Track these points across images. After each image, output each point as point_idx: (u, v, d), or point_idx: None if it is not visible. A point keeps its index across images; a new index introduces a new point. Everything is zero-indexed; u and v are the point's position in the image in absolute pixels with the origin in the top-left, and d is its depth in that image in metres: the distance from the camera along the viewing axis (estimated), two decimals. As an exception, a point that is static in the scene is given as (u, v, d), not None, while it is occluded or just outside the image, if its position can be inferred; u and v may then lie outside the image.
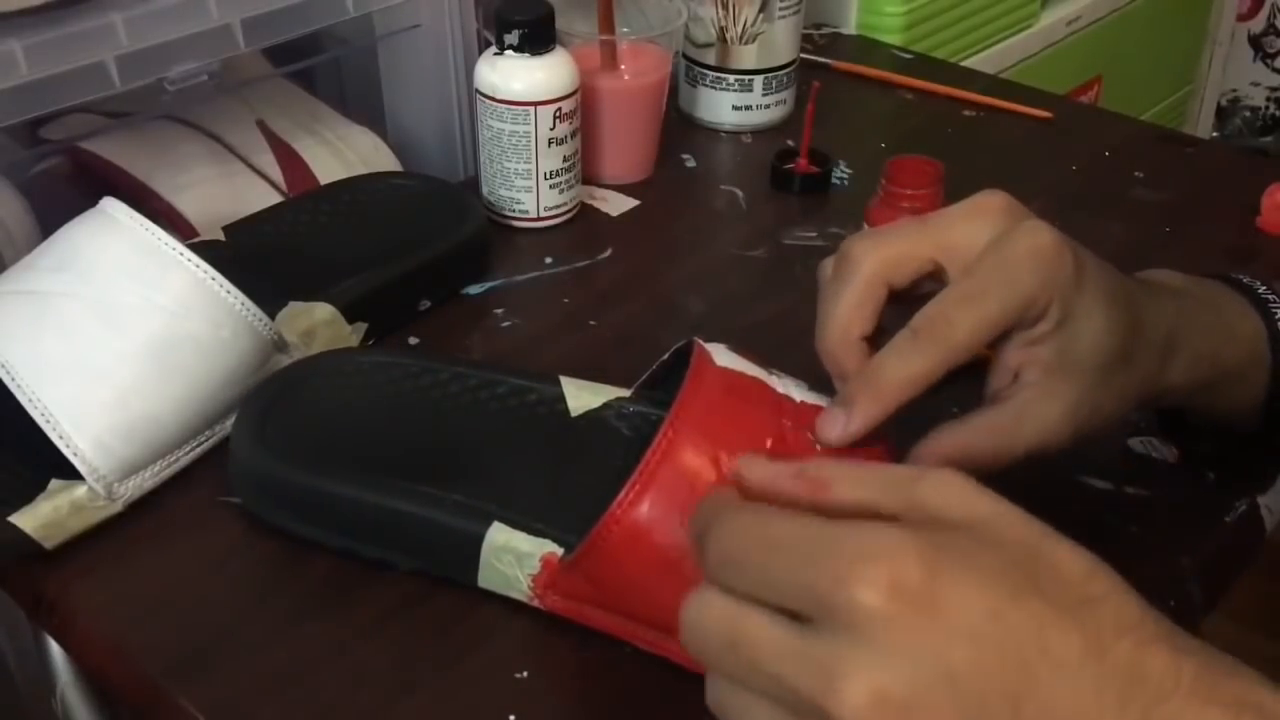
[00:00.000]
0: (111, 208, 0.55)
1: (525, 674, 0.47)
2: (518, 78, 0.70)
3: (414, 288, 0.66)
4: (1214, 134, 1.84)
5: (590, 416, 0.55)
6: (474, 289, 0.69)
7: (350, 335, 0.62)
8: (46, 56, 0.58)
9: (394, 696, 0.46)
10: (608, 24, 0.77)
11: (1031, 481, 0.56)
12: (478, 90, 0.72)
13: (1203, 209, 0.77)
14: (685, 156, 0.84)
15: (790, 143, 0.81)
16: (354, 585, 0.50)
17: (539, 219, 0.74)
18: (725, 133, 0.87)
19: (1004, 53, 1.17)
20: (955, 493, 0.34)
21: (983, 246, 0.44)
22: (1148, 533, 0.53)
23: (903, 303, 0.45)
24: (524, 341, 0.66)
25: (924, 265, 0.45)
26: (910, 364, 0.42)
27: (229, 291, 0.54)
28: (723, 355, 0.48)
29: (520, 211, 0.74)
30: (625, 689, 0.47)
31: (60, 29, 0.59)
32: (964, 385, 0.45)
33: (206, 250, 0.57)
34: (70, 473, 0.51)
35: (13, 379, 0.51)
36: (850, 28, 1.04)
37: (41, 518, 0.50)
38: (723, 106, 0.86)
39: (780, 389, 0.48)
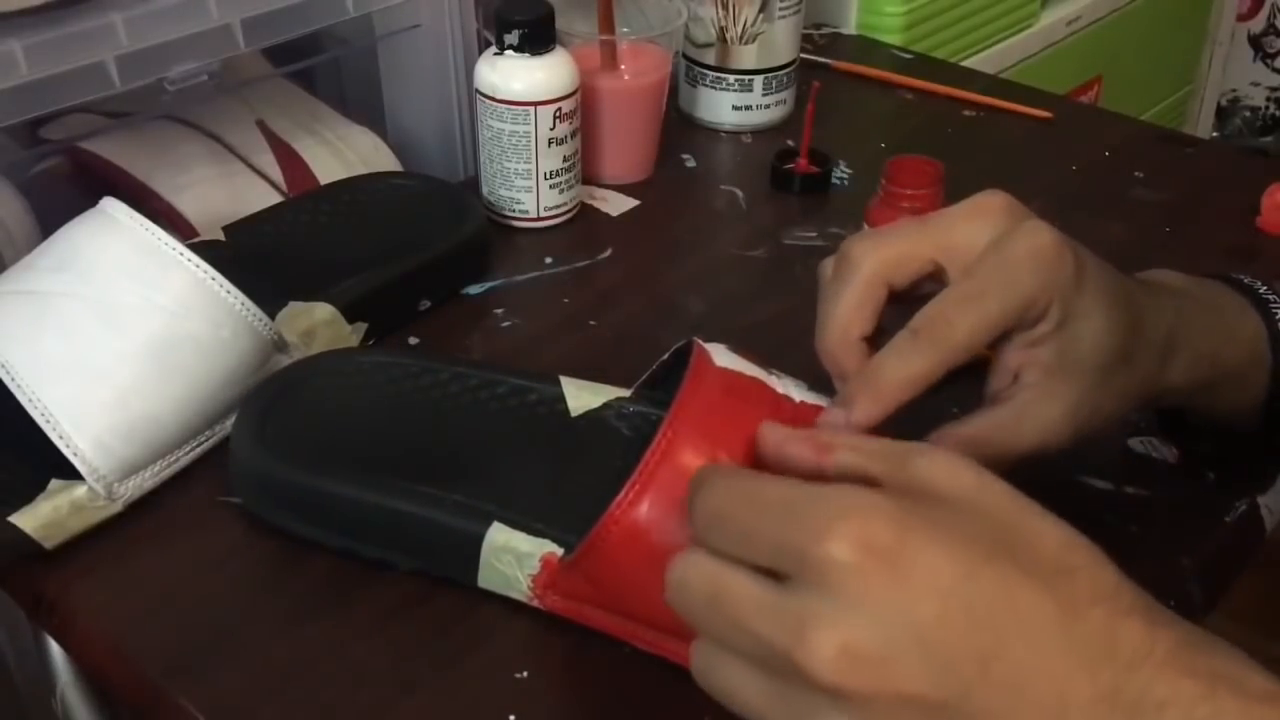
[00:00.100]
0: (111, 208, 0.55)
1: (525, 674, 0.47)
2: (518, 78, 0.70)
3: (414, 288, 0.66)
4: (1214, 134, 1.84)
5: (590, 416, 0.55)
6: (474, 289, 0.69)
7: (350, 335, 0.62)
8: (46, 56, 0.58)
9: (394, 696, 0.46)
10: (608, 24, 0.77)
11: (1031, 481, 0.56)
12: (478, 90, 0.72)
13: (1203, 209, 0.77)
14: (685, 156, 0.84)
15: (790, 143, 0.81)
16: (354, 585, 0.50)
17: (539, 219, 0.74)
18: (725, 133, 0.87)
19: (1004, 53, 1.17)
20: (944, 466, 0.34)
21: (983, 247, 0.44)
22: (1148, 533, 0.53)
23: (903, 303, 0.45)
24: (524, 341, 0.66)
25: (924, 266, 0.45)
26: (910, 364, 0.42)
27: (229, 291, 0.54)
28: (722, 355, 0.48)
29: (520, 211, 0.74)
30: (625, 689, 0.47)
31: (60, 29, 0.59)
32: (964, 385, 0.45)
33: (206, 250, 0.57)
34: (70, 473, 0.51)
35: (13, 379, 0.51)
36: (850, 28, 1.04)
37: (41, 518, 0.50)
38: (723, 106, 0.86)
39: (780, 389, 0.48)
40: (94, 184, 0.69)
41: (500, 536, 0.48)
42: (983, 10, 1.12)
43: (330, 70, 0.86)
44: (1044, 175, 0.81)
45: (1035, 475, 0.57)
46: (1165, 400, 0.50)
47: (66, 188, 0.72)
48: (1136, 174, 0.81)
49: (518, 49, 0.70)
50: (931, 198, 0.65)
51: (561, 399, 0.55)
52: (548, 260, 0.72)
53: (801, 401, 0.48)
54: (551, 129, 0.71)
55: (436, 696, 0.46)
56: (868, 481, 0.35)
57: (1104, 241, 0.48)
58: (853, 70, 0.95)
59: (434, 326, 0.66)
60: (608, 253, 0.73)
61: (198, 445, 0.56)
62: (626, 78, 0.78)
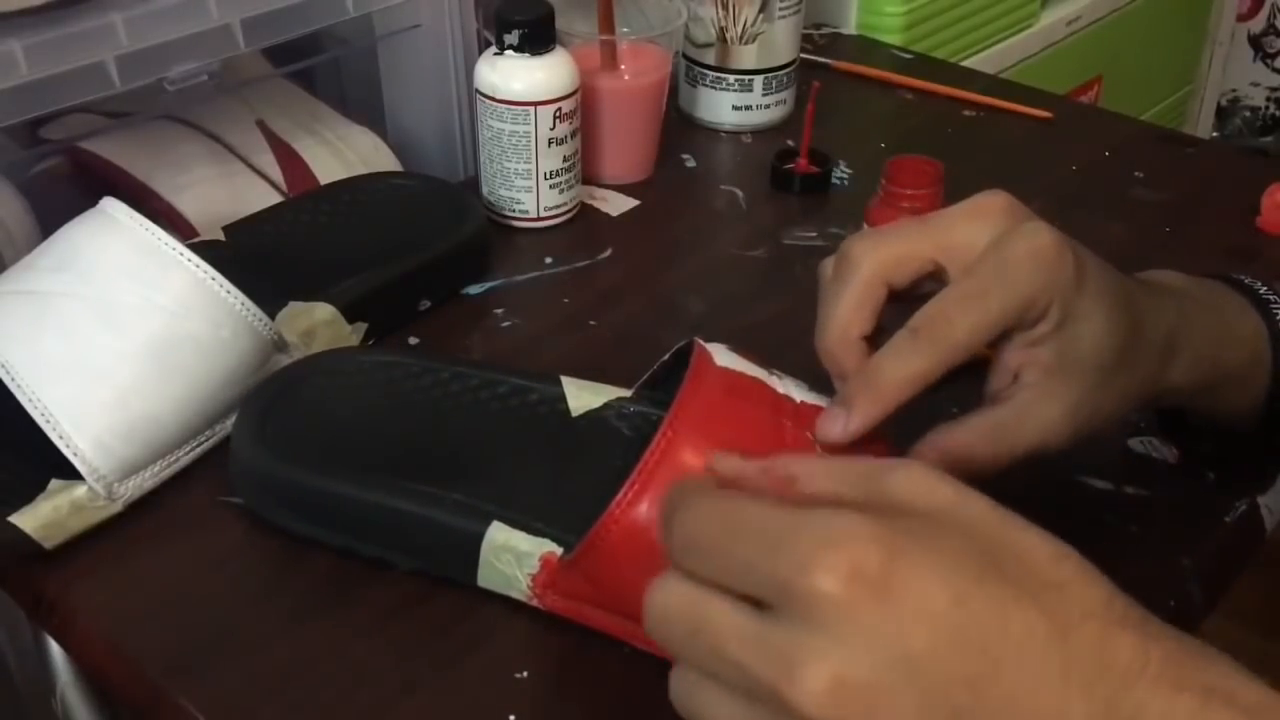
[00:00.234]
0: (111, 208, 0.55)
1: (525, 674, 0.47)
2: (518, 78, 0.70)
3: (414, 288, 0.66)
4: (1214, 134, 1.84)
5: (591, 416, 0.55)
6: (474, 289, 0.69)
7: (350, 335, 0.62)
8: (46, 56, 0.58)
9: (394, 696, 0.46)
10: (608, 24, 0.77)
11: (1031, 481, 0.56)
12: (478, 90, 0.72)
13: (1203, 209, 0.78)
14: (685, 156, 0.84)
15: (790, 143, 0.81)
16: (354, 585, 0.50)
17: (539, 219, 0.74)
18: (725, 133, 0.87)
19: (1004, 53, 1.17)
20: (920, 482, 0.34)
21: (983, 247, 0.44)
22: (1148, 533, 0.53)
23: (903, 302, 0.45)
24: (524, 341, 0.66)
25: (924, 265, 0.45)
26: (909, 364, 0.42)
27: (229, 291, 0.54)
28: (723, 355, 0.48)
29: (520, 211, 0.74)
30: (625, 689, 0.47)
31: (60, 29, 0.59)
32: (964, 385, 0.45)
33: (206, 250, 0.57)
34: (70, 473, 0.51)
35: (13, 379, 0.51)
36: (850, 28, 1.04)
37: (41, 518, 0.50)
38: (723, 106, 0.86)
39: (780, 389, 0.48)
40: (94, 184, 0.69)
41: (500, 536, 0.48)
42: (983, 10, 1.12)
43: (330, 70, 0.86)
44: (1044, 175, 0.81)
45: (1035, 475, 0.57)
46: (1166, 401, 0.50)
47: (66, 188, 0.72)
48: (1136, 174, 0.81)
49: (518, 49, 0.70)
50: (931, 198, 0.65)
51: (562, 399, 0.55)
52: (548, 260, 0.72)
53: (802, 401, 0.48)
54: (551, 129, 0.71)
55: (436, 696, 0.46)
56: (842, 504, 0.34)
57: (1104, 241, 0.48)
58: (853, 70, 0.95)
59: (434, 326, 0.66)
60: (608, 253, 0.73)
61: (198, 445, 0.56)
62: (626, 78, 0.78)
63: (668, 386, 0.49)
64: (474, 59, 0.74)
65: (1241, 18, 1.75)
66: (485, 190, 0.75)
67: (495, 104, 0.71)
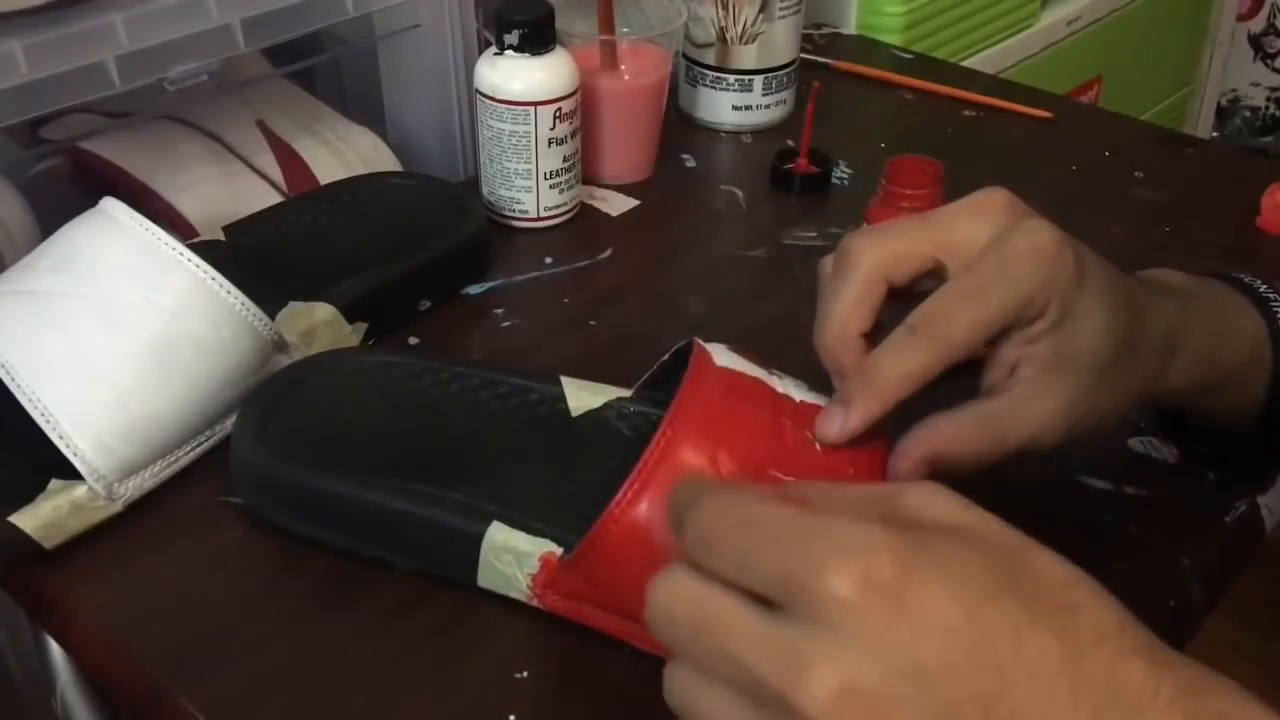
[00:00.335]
0: (111, 208, 0.55)
1: (525, 674, 0.47)
2: (518, 78, 0.70)
3: (414, 288, 0.66)
4: (1214, 134, 1.84)
5: (591, 416, 0.55)
6: (474, 289, 0.69)
7: (350, 335, 0.62)
8: (46, 56, 0.58)
9: (394, 696, 0.46)
10: (608, 24, 0.77)
11: (1031, 481, 0.56)
12: (478, 90, 0.72)
13: (1203, 209, 0.78)
14: (685, 156, 0.84)
15: (790, 143, 0.81)
16: (354, 585, 0.50)
17: (539, 219, 0.74)
18: (725, 133, 0.87)
19: (1004, 53, 1.17)
20: (935, 500, 0.34)
21: (983, 244, 0.44)
22: (1148, 533, 0.53)
23: (903, 300, 0.45)
24: (524, 341, 0.66)
25: (924, 263, 0.45)
26: (908, 361, 0.42)
27: (229, 291, 0.54)
28: (723, 355, 0.48)
29: (520, 211, 0.74)
30: (625, 689, 0.47)
31: (60, 29, 0.59)
32: (962, 383, 0.45)
33: (206, 250, 0.57)
34: (70, 473, 0.51)
35: (13, 379, 0.51)
36: (850, 28, 1.04)
37: (41, 518, 0.50)
38: (723, 106, 0.86)
39: (780, 389, 0.48)
40: (94, 184, 0.69)
41: (500, 536, 0.48)
42: (983, 10, 1.12)
43: (330, 70, 0.86)
44: (1044, 175, 0.81)
45: (1035, 475, 0.57)
46: (1166, 400, 0.50)
47: (66, 188, 0.72)
48: (1136, 174, 0.81)
49: (518, 49, 0.70)
50: (931, 198, 0.65)
51: (562, 399, 0.55)
52: (548, 260, 0.72)
53: (801, 401, 0.48)
54: (551, 129, 0.71)
55: (436, 696, 0.46)
56: None
57: (1104, 241, 0.48)
58: (853, 70, 0.95)
59: (434, 326, 0.66)
60: (608, 253, 0.73)
61: (198, 445, 0.56)
62: (626, 78, 0.78)
63: (668, 386, 0.49)
64: (474, 59, 0.74)
65: (1241, 18, 1.75)
66: (485, 190, 0.75)
67: (495, 104, 0.71)
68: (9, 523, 0.50)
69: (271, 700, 0.46)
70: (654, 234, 0.76)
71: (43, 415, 0.51)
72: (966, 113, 0.89)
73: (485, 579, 0.49)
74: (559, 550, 0.47)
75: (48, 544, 0.51)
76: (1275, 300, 0.51)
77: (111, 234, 0.54)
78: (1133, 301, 0.45)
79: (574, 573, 0.46)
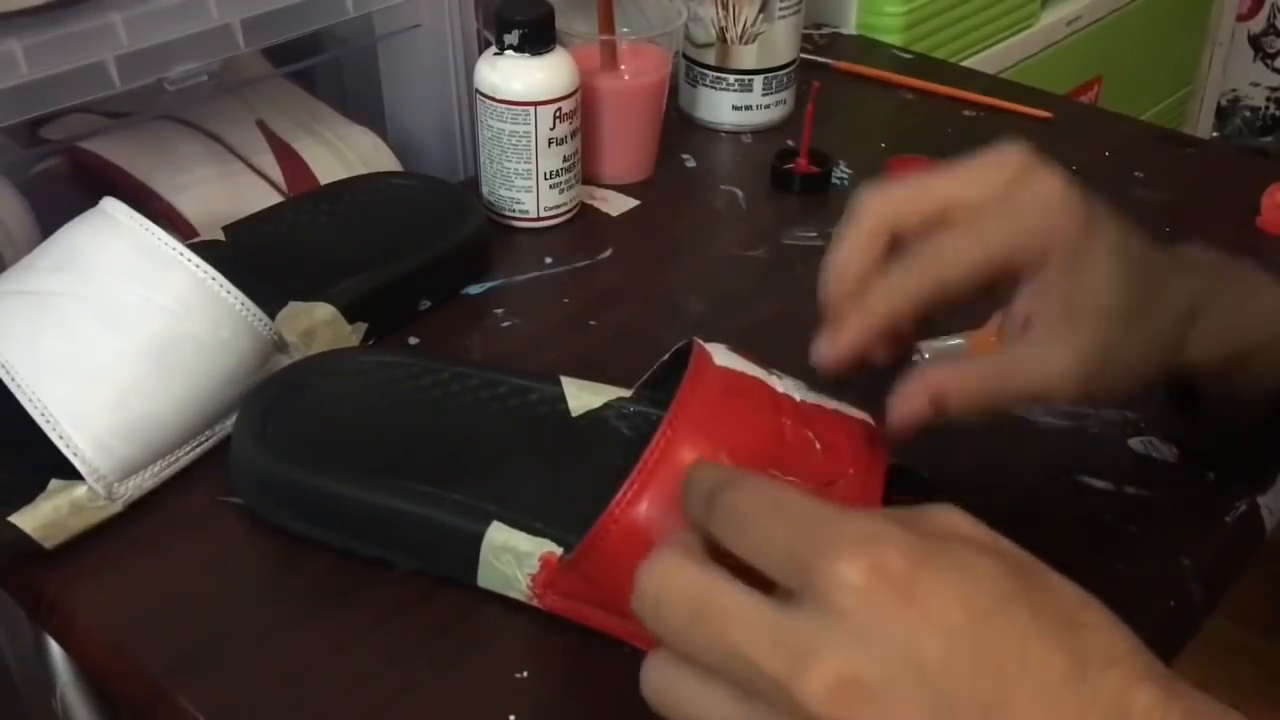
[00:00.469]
0: (111, 208, 0.55)
1: (525, 674, 0.47)
2: (518, 78, 0.70)
3: (414, 288, 0.66)
4: (1214, 134, 1.84)
5: (590, 416, 0.55)
6: (474, 289, 0.69)
7: (350, 335, 0.62)
8: (46, 56, 0.58)
9: (394, 696, 0.46)
10: (608, 24, 0.77)
11: (1032, 481, 0.56)
12: (478, 90, 0.72)
13: (1203, 209, 0.77)
14: (685, 156, 0.84)
15: (790, 143, 0.81)
16: (354, 585, 0.50)
17: (539, 219, 0.74)
18: (725, 133, 0.87)
19: (1004, 53, 1.17)
20: (955, 517, 0.33)
21: (994, 196, 0.44)
22: (1148, 533, 0.53)
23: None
24: (524, 341, 0.66)
25: (930, 213, 0.44)
26: (900, 279, 0.43)
27: (229, 291, 0.54)
28: (722, 355, 0.48)
29: (520, 211, 0.74)
30: (625, 689, 0.46)
31: (60, 29, 0.59)
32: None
33: (206, 250, 0.57)
34: (70, 473, 0.51)
35: (13, 379, 0.51)
36: (850, 28, 1.04)
37: (41, 518, 0.50)
38: (723, 106, 0.86)
39: (780, 389, 0.48)
40: (94, 184, 0.69)
41: (500, 536, 0.48)
42: (983, 10, 1.12)
43: (330, 70, 0.86)
44: (1044, 175, 0.81)
45: (1035, 475, 0.57)
46: (1190, 374, 0.49)
47: (66, 188, 0.72)
48: (1136, 174, 0.81)
49: (518, 49, 0.70)
50: (931, 198, 0.65)
51: (562, 399, 0.55)
52: (548, 260, 0.72)
53: (801, 401, 0.48)
54: (551, 129, 0.71)
55: (436, 696, 0.46)
56: None
57: (1104, 241, 0.48)
58: (853, 70, 0.95)
59: (434, 326, 0.66)
60: (608, 253, 0.73)
61: (198, 445, 0.56)
62: (626, 78, 0.78)
63: (667, 386, 0.49)
64: (474, 59, 0.74)
65: (1241, 18, 1.75)
66: (485, 190, 0.75)
67: (495, 104, 0.71)
68: (9, 523, 0.50)
69: (271, 700, 0.46)
70: (654, 234, 0.76)
71: (43, 415, 0.51)
72: (966, 113, 0.89)
73: (485, 579, 0.49)
74: (559, 550, 0.47)
75: (48, 544, 0.51)
76: None
77: (111, 234, 0.54)
78: (1150, 262, 0.45)
79: (574, 573, 0.46)
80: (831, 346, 0.44)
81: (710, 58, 0.85)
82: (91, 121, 0.73)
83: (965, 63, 1.09)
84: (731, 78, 0.85)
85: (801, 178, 0.79)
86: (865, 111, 0.91)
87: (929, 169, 0.63)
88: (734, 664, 0.31)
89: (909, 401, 0.45)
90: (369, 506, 0.49)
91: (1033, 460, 0.57)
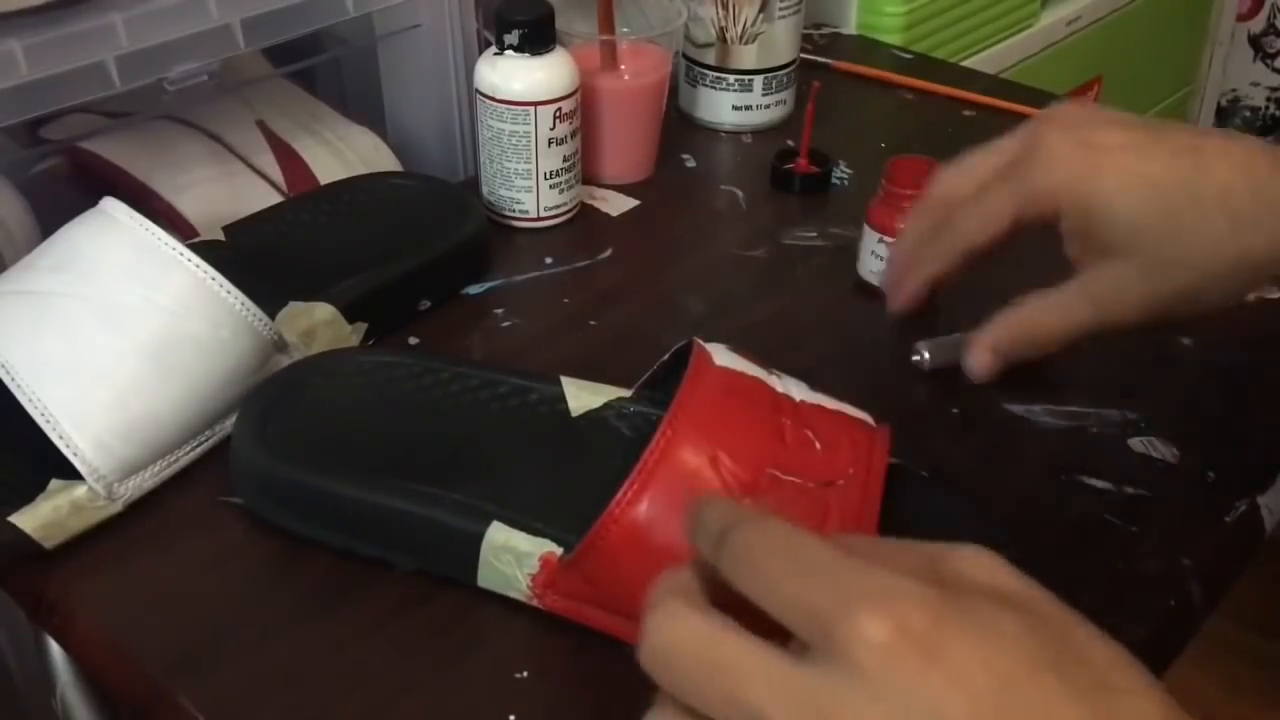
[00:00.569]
0: (111, 208, 0.55)
1: (525, 674, 0.47)
2: (518, 78, 0.70)
3: (414, 288, 0.66)
4: (1214, 134, 1.84)
5: (590, 416, 0.55)
6: (474, 289, 0.69)
7: (350, 335, 0.62)
8: (46, 56, 0.58)
9: (394, 696, 0.46)
10: (608, 24, 0.77)
11: (1032, 481, 0.56)
12: (478, 90, 0.72)
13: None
14: (685, 156, 0.84)
15: (790, 143, 0.81)
16: (354, 585, 0.50)
17: (539, 219, 0.74)
18: (725, 133, 0.87)
19: (1004, 53, 1.17)
20: (986, 564, 0.32)
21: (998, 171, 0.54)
22: (1148, 533, 0.53)
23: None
24: (524, 341, 0.66)
25: (967, 192, 0.56)
26: (936, 252, 0.56)
27: (229, 291, 0.54)
28: (722, 355, 0.48)
29: (520, 211, 0.74)
30: (625, 689, 0.46)
31: (60, 29, 0.59)
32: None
33: (206, 250, 0.57)
34: (70, 473, 0.51)
35: (13, 379, 0.51)
36: (850, 28, 1.04)
37: (41, 518, 0.50)
38: (723, 106, 0.86)
39: (780, 389, 0.48)
40: (94, 184, 0.69)
41: (500, 536, 0.48)
42: (983, 10, 1.12)
43: (330, 70, 0.87)
44: (1044, 175, 0.81)
45: (1035, 475, 0.57)
46: None
47: (66, 188, 0.72)
48: (1136, 174, 0.81)
49: (518, 49, 0.70)
50: (931, 198, 0.65)
51: (562, 399, 0.55)
52: (548, 260, 0.72)
53: (801, 401, 0.48)
54: (551, 129, 0.71)
55: (436, 696, 0.46)
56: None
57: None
58: (853, 70, 0.95)
59: (434, 326, 0.66)
60: (608, 253, 0.73)
61: (198, 445, 0.56)
62: (626, 78, 0.78)
63: (667, 386, 0.49)
64: (474, 59, 0.74)
65: (1241, 18, 1.75)
66: (485, 190, 0.75)
67: (495, 104, 0.71)
68: (9, 523, 0.50)
69: (271, 700, 0.46)
70: (654, 234, 0.76)
71: (43, 415, 0.51)
72: (966, 113, 0.89)
73: (485, 579, 0.49)
74: (559, 550, 0.47)
75: (48, 544, 0.51)
76: None
77: (111, 234, 0.54)
78: (1190, 183, 0.49)
79: (574, 573, 0.46)
80: (898, 297, 0.58)
81: (710, 58, 0.85)
82: (91, 121, 0.73)
83: (965, 63, 1.09)
84: (731, 78, 0.85)
85: (801, 178, 0.79)
86: (865, 111, 0.91)
87: (929, 170, 0.64)
88: (743, 718, 0.30)
89: (978, 361, 0.57)
90: (369, 506, 0.49)
91: (1033, 460, 0.57)
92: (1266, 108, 1.82)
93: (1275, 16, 1.75)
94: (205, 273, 0.54)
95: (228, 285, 0.54)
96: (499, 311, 0.68)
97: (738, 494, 0.44)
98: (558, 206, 0.74)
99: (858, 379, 0.56)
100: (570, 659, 0.48)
